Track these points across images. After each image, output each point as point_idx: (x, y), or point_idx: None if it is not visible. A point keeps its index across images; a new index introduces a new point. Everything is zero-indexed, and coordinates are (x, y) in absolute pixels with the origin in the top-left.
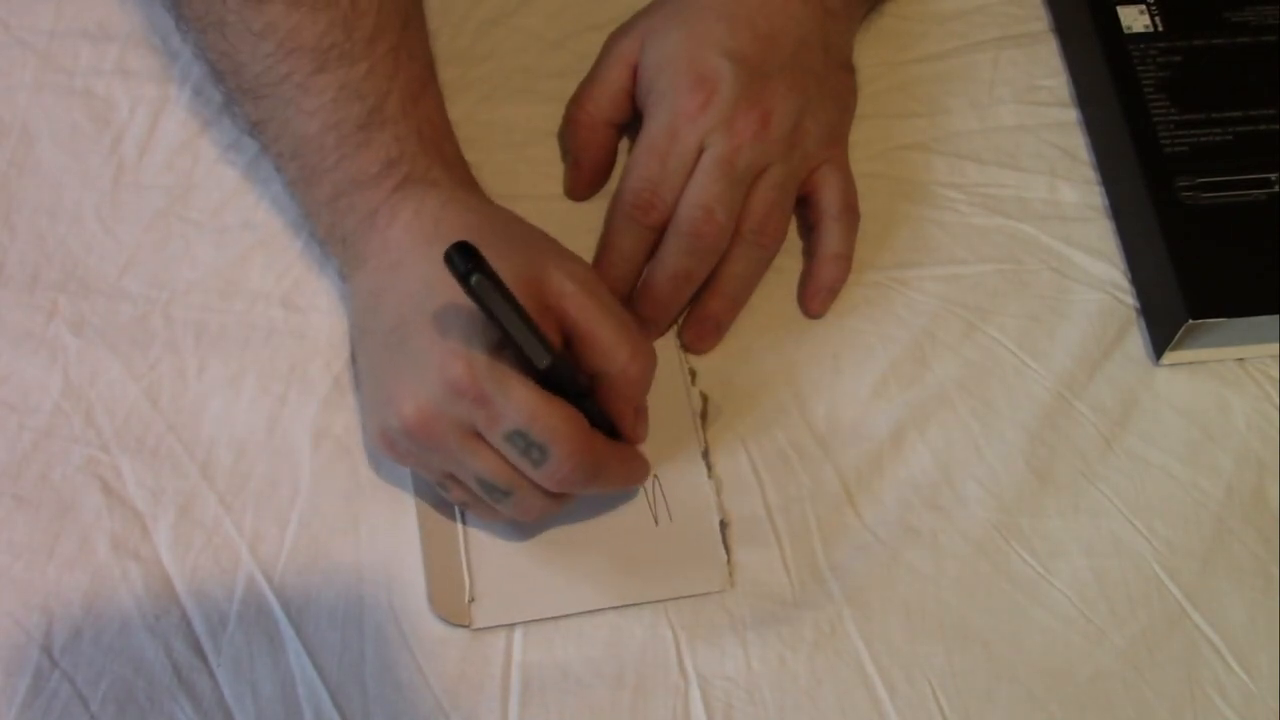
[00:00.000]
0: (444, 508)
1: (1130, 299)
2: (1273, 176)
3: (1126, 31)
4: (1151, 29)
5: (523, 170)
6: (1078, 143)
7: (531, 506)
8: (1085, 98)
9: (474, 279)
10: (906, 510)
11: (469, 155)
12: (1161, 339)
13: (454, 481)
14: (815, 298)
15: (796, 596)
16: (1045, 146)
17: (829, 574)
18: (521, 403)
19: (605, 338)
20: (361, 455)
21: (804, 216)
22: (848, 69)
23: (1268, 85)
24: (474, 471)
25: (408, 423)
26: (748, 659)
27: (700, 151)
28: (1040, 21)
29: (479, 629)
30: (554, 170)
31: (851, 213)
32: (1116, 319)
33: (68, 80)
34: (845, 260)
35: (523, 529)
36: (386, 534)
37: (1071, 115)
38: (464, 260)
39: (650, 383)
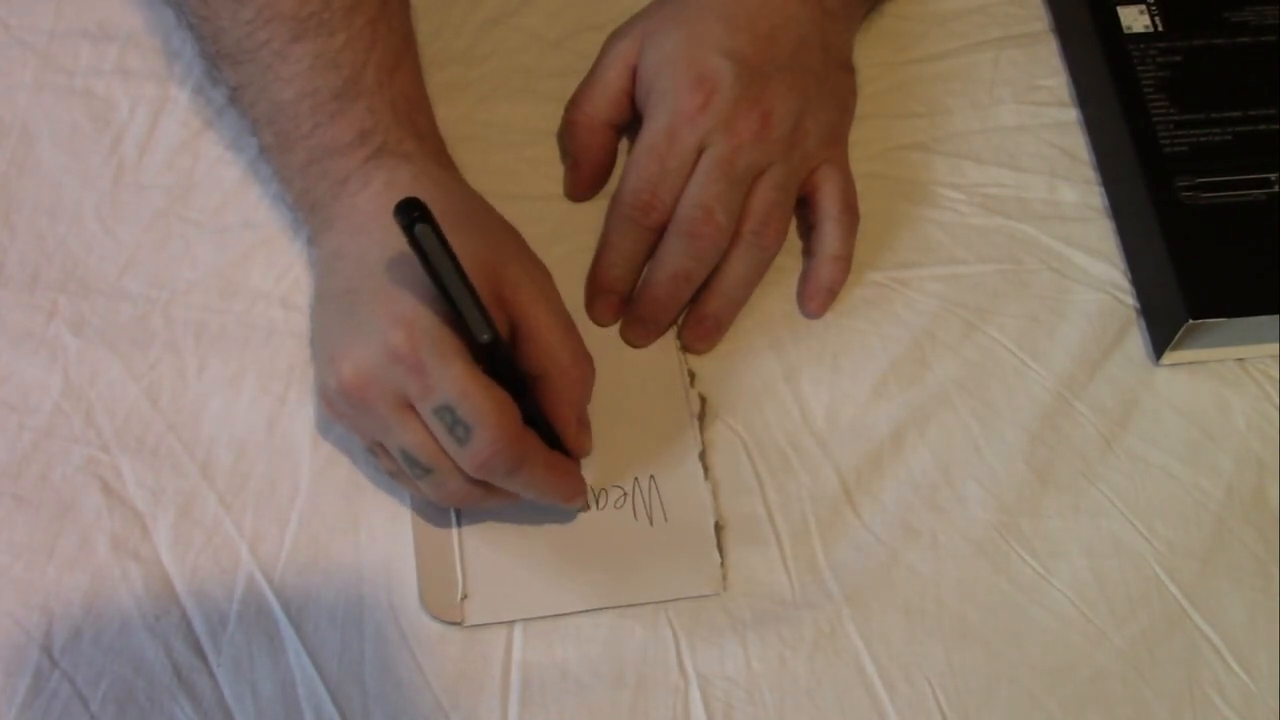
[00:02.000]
0: (439, 505)
1: (1130, 299)
2: (1273, 176)
3: (1126, 31)
4: (1151, 29)
5: (523, 170)
6: (1078, 143)
7: (451, 490)
8: (1085, 98)
9: (417, 228)
10: (906, 510)
11: (469, 155)
12: (1161, 339)
13: (382, 450)
14: (815, 298)
15: (796, 596)
16: (1045, 146)
17: (828, 574)
18: (455, 378)
19: (550, 336)
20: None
21: (804, 216)
22: (847, 69)
23: (1268, 85)
24: (399, 443)
25: (344, 383)
26: (748, 659)
27: (700, 152)
28: (1040, 21)
29: (472, 626)
30: (554, 170)
31: (851, 213)
32: (1116, 319)
33: (68, 80)
34: (845, 261)
35: (517, 527)
36: (386, 534)
37: (1071, 115)
38: (410, 211)
39: (590, 392)
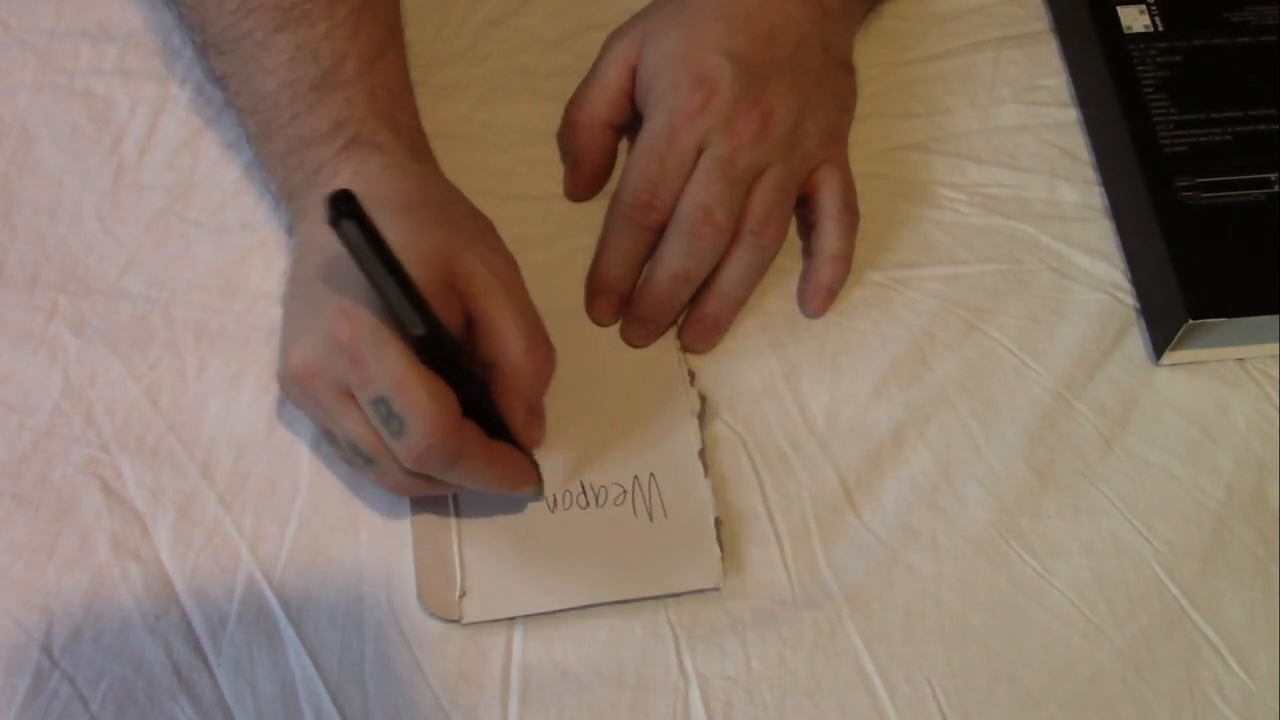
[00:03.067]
0: (438, 503)
1: (1130, 299)
2: (1273, 176)
3: (1126, 31)
4: (1151, 29)
5: (523, 170)
6: (1078, 143)
7: (395, 481)
8: (1085, 98)
9: (342, 224)
10: (906, 510)
11: (469, 155)
12: (1161, 339)
13: (334, 438)
14: (815, 298)
15: (796, 596)
16: (1045, 146)
17: (829, 574)
18: (390, 370)
19: (502, 326)
20: None
21: (804, 216)
22: (847, 69)
23: (1268, 85)
24: (344, 432)
25: (294, 371)
26: (748, 659)
27: (699, 152)
28: (1040, 21)
29: (472, 627)
30: (554, 170)
31: (851, 213)
32: (1116, 319)
33: (68, 80)
34: (845, 260)
35: (516, 525)
36: (386, 533)
37: (1071, 115)
38: (338, 204)
39: (547, 383)
